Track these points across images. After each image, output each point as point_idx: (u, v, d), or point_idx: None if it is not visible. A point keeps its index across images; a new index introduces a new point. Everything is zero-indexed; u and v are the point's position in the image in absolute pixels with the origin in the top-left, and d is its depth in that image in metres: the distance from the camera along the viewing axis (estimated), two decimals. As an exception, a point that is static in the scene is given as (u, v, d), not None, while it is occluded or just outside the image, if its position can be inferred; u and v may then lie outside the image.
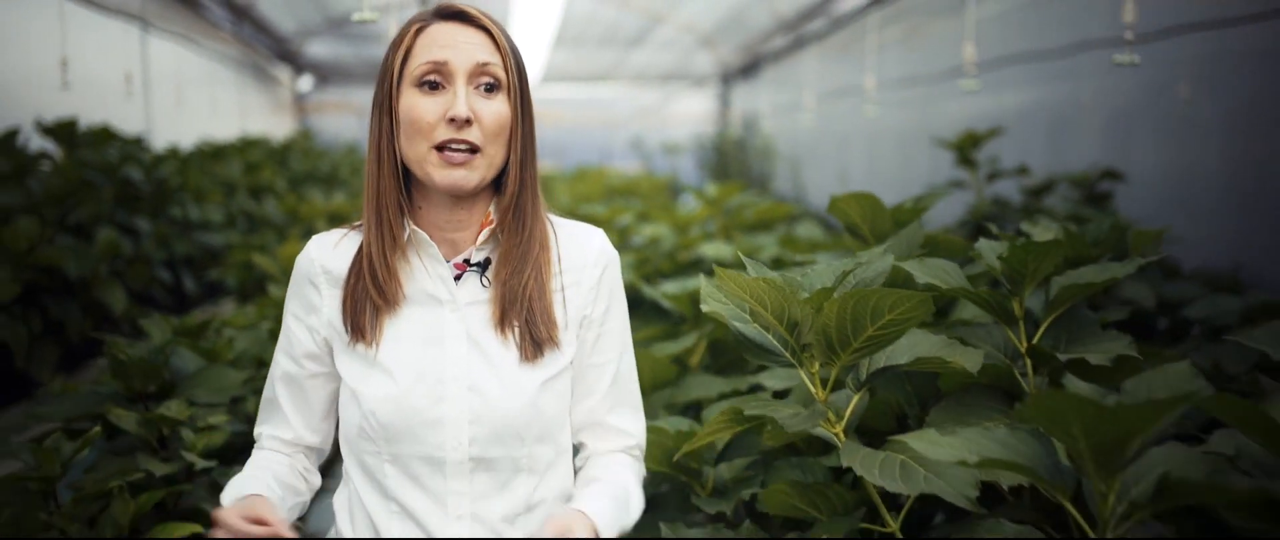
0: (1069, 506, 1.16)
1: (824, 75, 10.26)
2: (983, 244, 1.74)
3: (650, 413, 2.03)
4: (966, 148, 4.18)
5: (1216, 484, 1.03)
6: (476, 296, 1.44)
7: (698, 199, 3.85)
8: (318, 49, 14.16)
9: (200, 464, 1.98)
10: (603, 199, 5.32)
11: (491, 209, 1.44)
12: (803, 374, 1.49)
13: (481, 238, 1.43)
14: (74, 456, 1.89)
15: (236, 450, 2.21)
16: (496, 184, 1.44)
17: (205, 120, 9.95)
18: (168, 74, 8.77)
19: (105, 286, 4.44)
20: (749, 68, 13.80)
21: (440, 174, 1.36)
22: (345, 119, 15.27)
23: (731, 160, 11.97)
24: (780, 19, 11.27)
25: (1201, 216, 4.81)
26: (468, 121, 1.35)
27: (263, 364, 2.58)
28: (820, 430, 1.51)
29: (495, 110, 1.38)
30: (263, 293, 3.86)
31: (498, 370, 1.41)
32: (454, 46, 1.38)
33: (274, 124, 13.03)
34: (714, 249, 3.12)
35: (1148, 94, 5.24)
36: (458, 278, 1.44)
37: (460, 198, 1.41)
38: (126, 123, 6.75)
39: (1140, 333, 2.98)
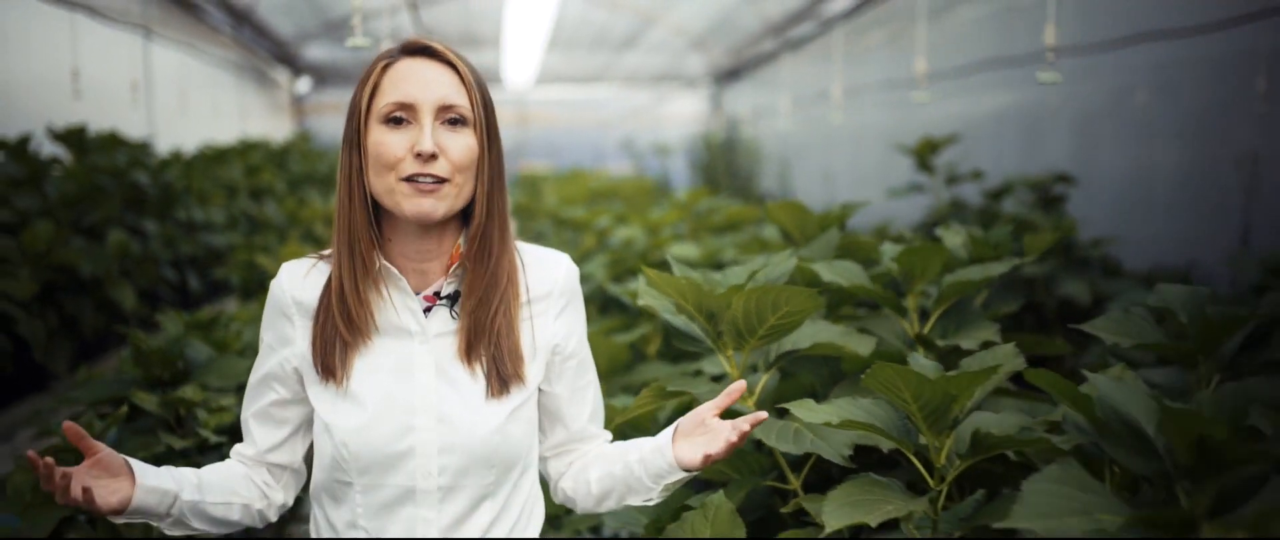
0: (913, 458, 1.47)
1: (810, 78, 10.56)
2: (885, 247, 2.04)
3: (608, 393, 2.33)
4: (924, 154, 4.48)
5: (1010, 436, 1.34)
6: (445, 328, 1.47)
7: (668, 202, 4.15)
8: (315, 52, 14.47)
9: (213, 439, 2.29)
10: (586, 202, 5.63)
11: (461, 241, 1.47)
12: (721, 357, 1.79)
13: (452, 270, 1.47)
14: (103, 432, 2.19)
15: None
16: (465, 216, 1.47)
17: (206, 123, 10.26)
18: (169, 79, 9.07)
19: (116, 285, 4.74)
20: (739, 70, 14.11)
21: (410, 203, 1.39)
22: (341, 120, 15.58)
23: (720, 161, 12.27)
24: (768, 22, 11.57)
25: (1158, 217, 5.12)
26: (433, 156, 1.39)
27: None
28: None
29: (462, 144, 1.41)
30: (265, 291, 4.15)
31: (466, 400, 1.44)
32: (421, 83, 1.41)
33: (273, 125, 13.34)
34: (681, 249, 3.41)
35: (1109, 100, 5.54)
36: (427, 310, 1.47)
37: (428, 228, 1.44)
38: (130, 127, 7.05)
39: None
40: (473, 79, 1.44)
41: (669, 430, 1.48)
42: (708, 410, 1.43)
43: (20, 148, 5.04)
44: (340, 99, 15.80)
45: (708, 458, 1.39)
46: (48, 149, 5.71)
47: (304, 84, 15.62)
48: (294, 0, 11.68)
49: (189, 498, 1.43)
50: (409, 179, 1.38)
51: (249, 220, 6.87)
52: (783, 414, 1.81)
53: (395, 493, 1.44)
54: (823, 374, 2.07)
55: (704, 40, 14.15)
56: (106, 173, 5.27)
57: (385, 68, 1.43)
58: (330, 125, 15.35)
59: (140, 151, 6.12)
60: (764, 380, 1.82)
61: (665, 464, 1.44)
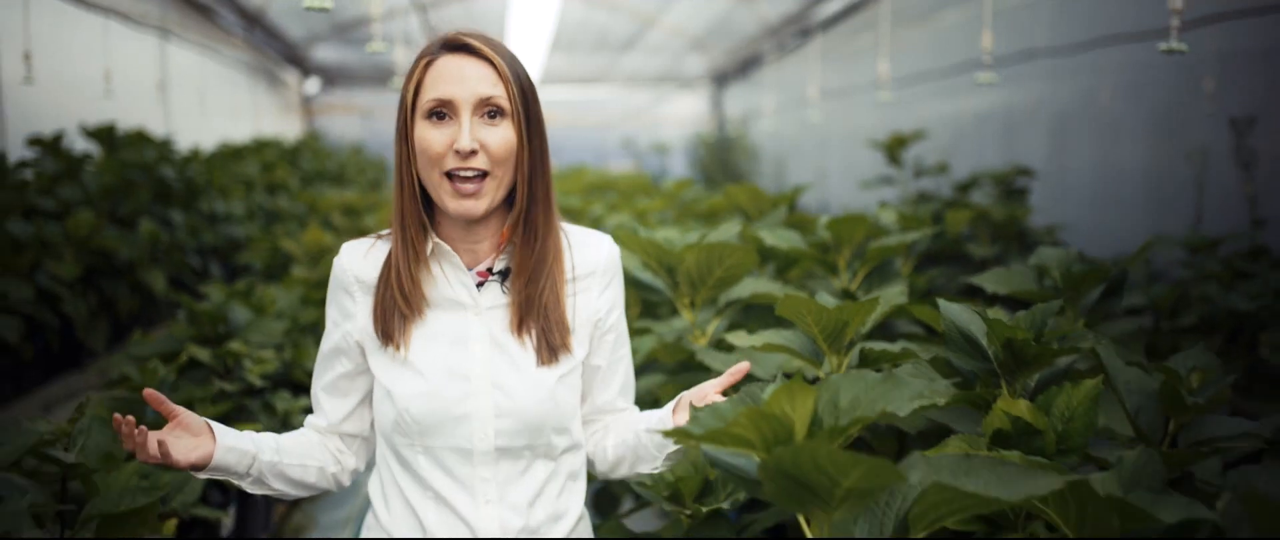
0: (819, 373, 1.90)
1: (804, 80, 10.99)
2: (822, 219, 2.47)
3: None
4: (894, 149, 4.90)
5: (887, 351, 1.77)
6: (497, 301, 1.57)
7: (652, 194, 4.58)
8: (324, 53, 14.94)
9: (258, 383, 2.73)
10: (583, 193, 6.07)
11: (509, 223, 1.57)
12: (679, 304, 2.23)
13: (502, 248, 1.57)
14: (166, 378, 2.63)
15: (282, 377, 2.95)
16: (510, 200, 1.56)
17: (220, 122, 10.72)
18: (186, 79, 9.53)
19: (148, 270, 5.18)
20: (738, 71, 14.54)
21: (453, 203, 1.50)
22: (350, 120, 16.08)
23: (716, 159, 12.71)
24: (765, 25, 12.00)
25: (1122, 209, 5.54)
26: (473, 152, 1.48)
27: (297, 319, 3.33)
28: (692, 344, 2.24)
29: (501, 137, 1.49)
30: (287, 273, 4.59)
31: (519, 369, 1.55)
32: (459, 81, 1.49)
33: (284, 125, 13.81)
34: (663, 233, 3.84)
35: (1078, 101, 5.97)
36: (480, 285, 1.57)
37: (475, 221, 1.54)
38: (151, 125, 7.50)
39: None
40: (509, 71, 1.51)
41: (675, 400, 1.59)
42: (711, 387, 1.54)
43: (54, 144, 5.48)
44: (348, 99, 16.26)
45: None
46: (80, 145, 6.17)
47: (313, 84, 16.09)
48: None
49: (268, 458, 1.55)
50: (450, 175, 1.49)
51: (265, 213, 7.31)
52: (724, 347, 2.24)
53: (454, 454, 1.54)
54: (765, 321, 2.50)
55: (703, 42, 14.59)
56: (136, 167, 5.71)
57: (427, 64, 1.52)
58: (338, 125, 15.81)
59: (165, 148, 6.56)
60: (714, 324, 2.25)
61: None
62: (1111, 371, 1.68)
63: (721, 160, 12.51)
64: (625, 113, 17.10)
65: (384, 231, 1.63)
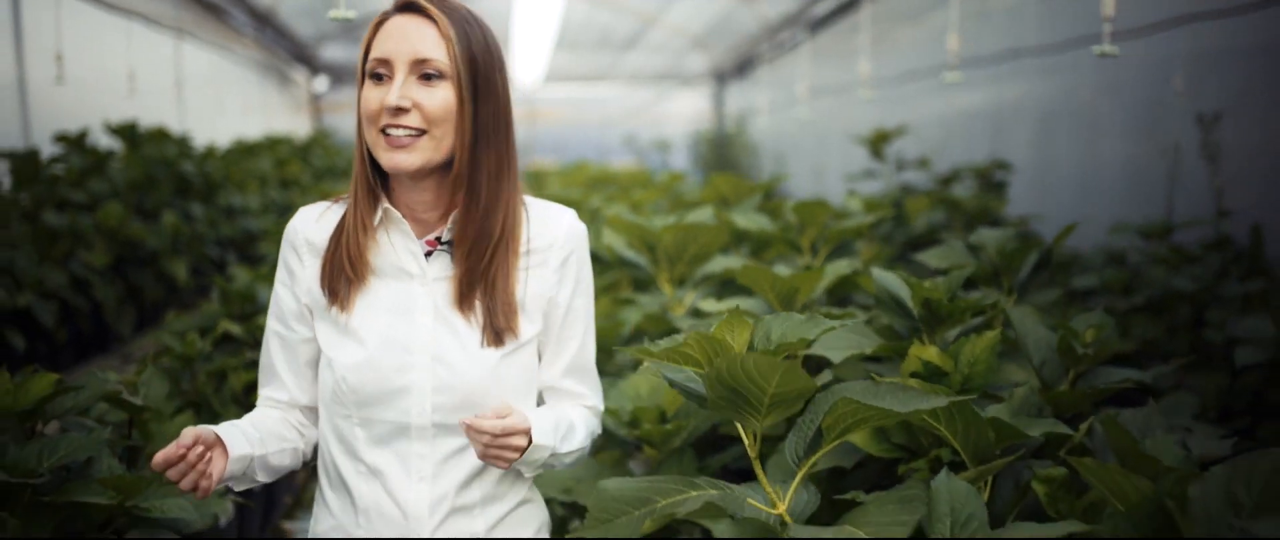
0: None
1: (803, 78, 11.30)
2: (789, 204, 2.79)
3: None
4: (877, 144, 5.21)
5: (834, 312, 2.08)
6: (444, 273, 1.54)
7: (649, 187, 4.90)
8: (333, 52, 15.29)
9: (286, 354, 3.04)
10: (583, 187, 6.40)
11: (462, 193, 1.53)
12: (659, 279, 2.55)
13: (452, 218, 1.53)
14: (205, 348, 2.95)
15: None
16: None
17: (233, 119, 11.06)
18: (200, 78, 9.87)
19: (171, 260, 5.51)
20: (739, 69, 14.86)
21: (385, 156, 1.48)
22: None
23: (716, 156, 13.03)
24: (764, 24, 12.31)
25: (1102, 201, 5.85)
26: (402, 109, 1.46)
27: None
28: (671, 315, 2.56)
29: (436, 98, 1.47)
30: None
31: (462, 343, 1.51)
32: (400, 38, 1.47)
33: (293, 122, 14.16)
34: (657, 219, 4.16)
35: (1062, 98, 6.27)
36: (429, 254, 1.54)
37: (419, 179, 1.51)
38: (165, 122, 7.84)
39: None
40: (455, 32, 1.48)
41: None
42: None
43: (79, 141, 5.81)
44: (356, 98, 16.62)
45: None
46: (102, 142, 6.50)
47: (321, 83, 16.44)
48: (313, 3, 12.45)
49: (257, 453, 1.52)
50: (385, 131, 1.47)
51: (279, 207, 7.64)
52: (698, 314, 2.56)
53: (390, 428, 1.51)
54: (736, 292, 2.81)
55: (704, 40, 14.90)
56: (159, 163, 6.05)
57: (377, 25, 1.51)
58: (346, 122, 16.16)
59: (184, 145, 6.89)
60: (690, 296, 2.57)
61: None
62: (1020, 329, 2.00)
63: (720, 156, 12.83)
64: (628, 110, 17.43)
65: (343, 195, 1.61)
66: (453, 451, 1.53)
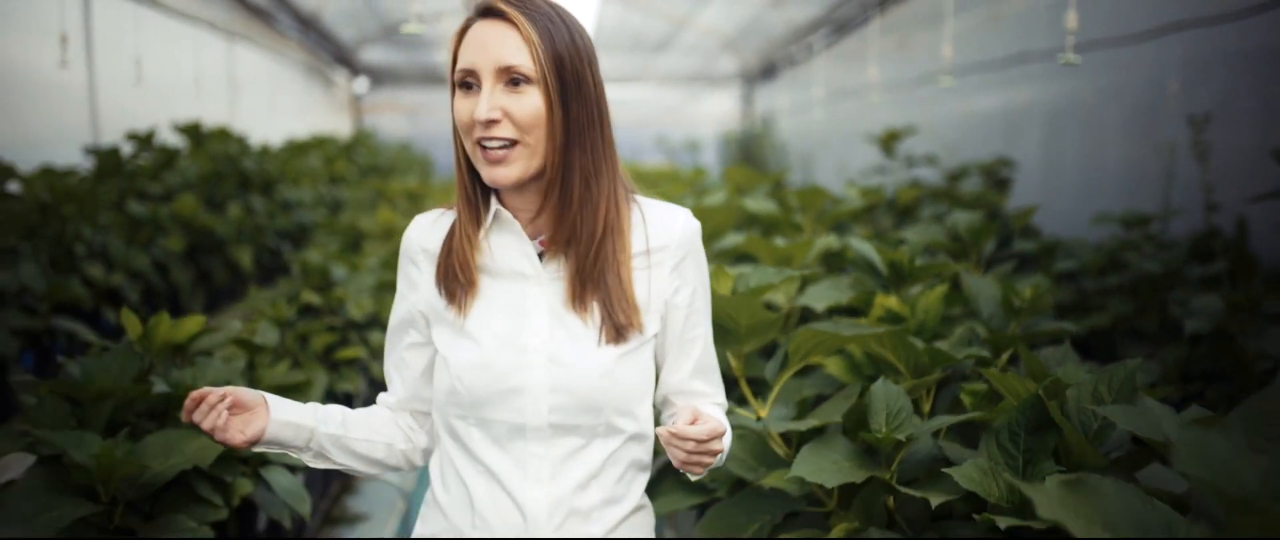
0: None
1: (829, 79, 11.77)
2: (792, 192, 3.28)
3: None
4: (888, 142, 5.68)
5: (818, 274, 2.58)
6: (560, 273, 1.52)
7: (676, 181, 5.41)
8: (373, 54, 15.93)
9: (359, 319, 3.58)
10: (616, 183, 6.94)
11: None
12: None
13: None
14: (290, 314, 3.49)
15: (373, 318, 3.81)
16: None
17: (280, 119, 11.68)
18: (250, 79, 10.49)
19: (238, 248, 6.07)
20: (768, 70, 15.35)
21: (485, 171, 1.48)
22: (396, 118, 17.08)
23: (746, 154, 13.52)
24: (793, 26, 12.78)
25: (1107, 197, 6.28)
26: (493, 121, 1.45)
27: (380, 276, 4.19)
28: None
29: (525, 105, 1.45)
30: (360, 249, 5.46)
31: (578, 344, 1.50)
32: (482, 48, 1.46)
33: (335, 122, 14.80)
34: (681, 211, 4.67)
35: (1070, 101, 6.71)
36: (542, 254, 1.53)
37: (519, 187, 1.51)
38: (219, 121, 8.45)
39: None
40: (537, 34, 1.45)
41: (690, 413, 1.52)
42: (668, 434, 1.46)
43: (147, 139, 6.39)
44: (395, 98, 17.25)
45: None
46: (169, 139, 7.10)
47: (362, 84, 17.10)
48: (356, 7, 13.06)
49: (331, 431, 1.56)
50: (480, 144, 1.47)
51: (328, 201, 8.21)
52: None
53: (506, 429, 1.51)
54: (743, 263, 3.31)
55: (735, 42, 15.39)
56: (223, 159, 6.62)
57: (461, 33, 1.50)
58: (386, 123, 16.80)
59: (242, 143, 7.48)
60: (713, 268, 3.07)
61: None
62: (972, 288, 2.49)
63: (748, 155, 13.33)
64: (660, 111, 17.97)
65: (452, 203, 1.62)
66: (570, 452, 1.52)
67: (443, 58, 8.67)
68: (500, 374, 1.50)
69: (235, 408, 1.48)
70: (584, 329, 1.52)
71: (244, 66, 10.26)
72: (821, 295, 2.38)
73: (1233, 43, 5.28)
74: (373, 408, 1.67)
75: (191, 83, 8.02)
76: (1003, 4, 7.04)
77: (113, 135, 6.47)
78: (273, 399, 1.53)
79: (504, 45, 1.45)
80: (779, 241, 2.64)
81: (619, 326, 1.51)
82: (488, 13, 1.48)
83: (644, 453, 1.59)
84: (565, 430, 1.51)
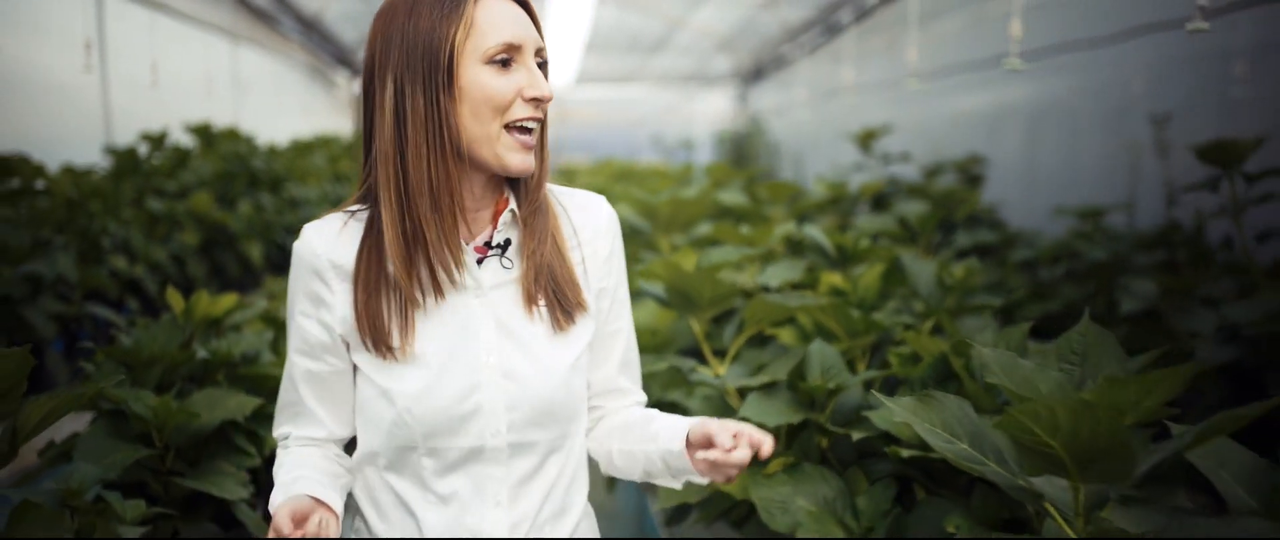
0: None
1: (820, 79, 12.14)
2: (763, 185, 3.64)
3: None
4: (865, 140, 6.04)
5: (777, 252, 2.94)
6: (499, 279, 1.44)
7: (663, 178, 5.78)
8: (373, 55, 16.29)
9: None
10: (608, 178, 7.30)
11: (507, 190, 1.46)
12: (659, 240, 3.41)
13: (503, 219, 1.44)
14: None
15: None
16: None
17: (283, 119, 12.05)
18: (253, 80, 10.86)
19: (249, 243, 6.43)
20: (763, 70, 15.74)
21: (514, 156, 1.38)
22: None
23: (739, 152, 13.90)
24: (786, 27, 13.15)
25: (1081, 193, 6.64)
26: (545, 99, 1.40)
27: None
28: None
29: (550, 88, 1.42)
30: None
31: (529, 353, 1.43)
32: (521, 23, 1.39)
33: (336, 122, 15.17)
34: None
35: (1048, 102, 7.07)
36: (480, 261, 1.44)
37: (494, 178, 1.44)
38: (225, 121, 8.82)
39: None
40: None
41: (680, 430, 1.45)
42: (732, 425, 1.37)
43: (159, 140, 6.76)
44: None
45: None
46: (180, 139, 7.46)
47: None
48: (356, 9, 13.43)
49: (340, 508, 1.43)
50: (510, 127, 1.38)
51: (332, 198, 8.58)
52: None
53: (461, 453, 1.42)
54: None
55: (730, 42, 15.77)
56: (233, 158, 6.99)
57: (474, 4, 1.38)
58: (385, 122, 17.17)
59: (249, 143, 7.84)
60: (683, 250, 3.43)
61: (685, 469, 1.44)
62: (911, 269, 2.85)
63: (741, 154, 13.72)
64: (656, 110, 18.36)
65: (353, 207, 1.46)
66: (530, 471, 1.46)
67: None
68: (453, 399, 1.40)
69: (298, 521, 1.31)
70: (532, 334, 1.45)
71: (248, 68, 10.63)
72: (778, 274, 2.74)
73: (1192, 46, 5.63)
74: (305, 454, 1.49)
75: (198, 84, 8.40)
76: (979, 7, 7.39)
77: (124, 135, 6.83)
78: (317, 493, 1.38)
79: (531, 25, 1.43)
80: (744, 229, 3.01)
81: (568, 308, 1.45)
82: None
83: (584, 453, 1.55)
84: (523, 448, 1.45)
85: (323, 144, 9.94)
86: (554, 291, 1.45)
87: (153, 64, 6.59)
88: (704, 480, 1.42)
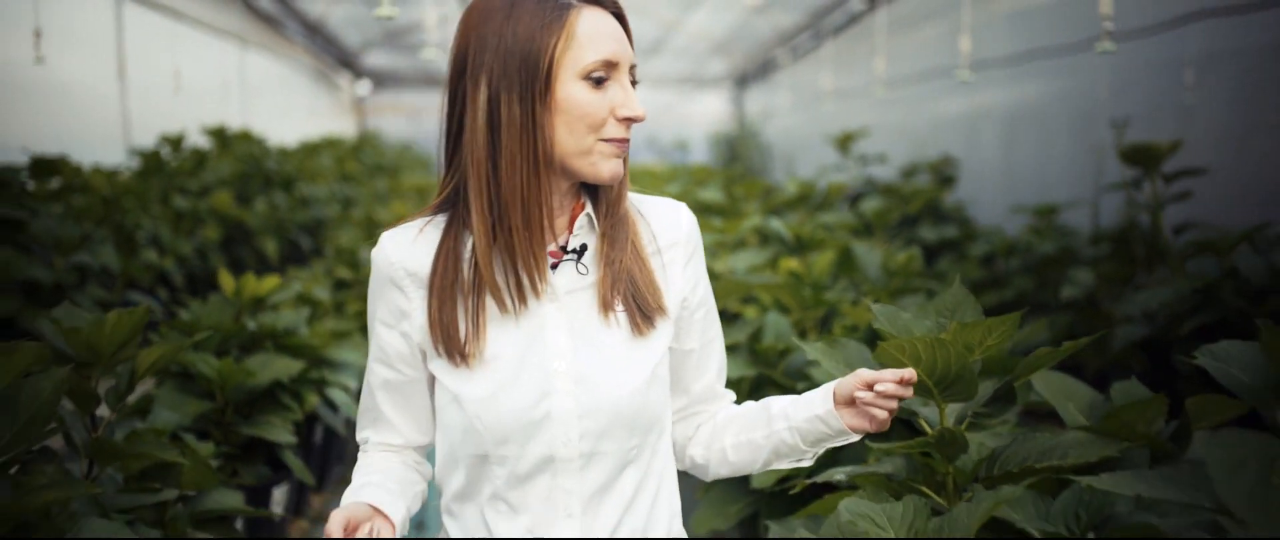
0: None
1: (811, 82, 12.62)
2: (739, 184, 4.11)
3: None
4: (843, 143, 6.52)
5: (748, 241, 3.41)
6: (574, 285, 1.44)
7: (655, 178, 6.25)
8: (376, 58, 16.82)
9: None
10: (604, 180, 7.80)
11: (583, 194, 1.46)
12: (645, 232, 3.88)
13: (579, 224, 1.44)
14: (323, 288, 4.32)
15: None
16: None
17: (288, 120, 12.53)
18: (260, 83, 11.34)
19: (265, 238, 6.90)
20: (757, 73, 16.23)
21: (608, 165, 1.40)
22: (397, 120, 17.96)
23: (733, 154, 14.40)
24: (779, 31, 13.64)
25: (1052, 194, 7.10)
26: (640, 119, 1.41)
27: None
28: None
29: (643, 108, 1.43)
30: (375, 238, 6.31)
31: (605, 359, 1.42)
32: (619, 40, 1.40)
33: (340, 124, 15.67)
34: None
35: (1022, 106, 7.54)
36: (554, 266, 1.43)
37: (573, 186, 1.45)
38: (232, 123, 9.30)
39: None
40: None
41: (824, 392, 1.46)
42: (865, 374, 1.42)
43: (177, 142, 7.23)
44: (397, 101, 18.13)
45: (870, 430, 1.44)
46: (199, 141, 7.94)
47: (364, 87, 17.98)
48: (359, 13, 13.92)
49: (408, 507, 1.47)
50: (610, 140, 1.39)
51: (340, 197, 9.06)
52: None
53: (533, 463, 1.41)
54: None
55: (725, 45, 16.26)
56: (249, 159, 7.47)
57: (575, 15, 1.38)
58: (388, 124, 17.68)
59: (262, 144, 8.32)
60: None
61: (828, 430, 1.45)
62: (862, 256, 3.32)
63: (735, 155, 14.21)
64: (652, 112, 18.73)
65: (428, 216, 1.47)
66: (604, 482, 1.43)
67: (440, 59, 9.44)
68: (524, 405, 1.40)
69: (350, 528, 1.36)
70: (607, 339, 1.43)
71: (255, 71, 11.10)
72: (745, 260, 3.21)
73: (1153, 53, 6.09)
74: (385, 459, 1.53)
75: (209, 87, 8.88)
76: (935, 23, 7.86)
77: (141, 137, 7.30)
78: (378, 502, 1.42)
79: (627, 41, 1.43)
80: (718, 222, 3.48)
81: (648, 313, 1.44)
82: (601, 3, 1.42)
83: (670, 464, 1.53)
84: (597, 458, 1.42)
85: (329, 145, 10.42)
86: (633, 296, 1.44)
87: (170, 69, 7.05)
88: (855, 437, 1.46)
